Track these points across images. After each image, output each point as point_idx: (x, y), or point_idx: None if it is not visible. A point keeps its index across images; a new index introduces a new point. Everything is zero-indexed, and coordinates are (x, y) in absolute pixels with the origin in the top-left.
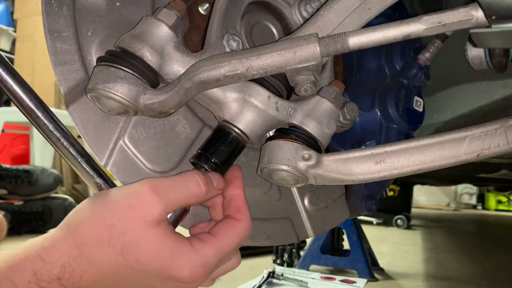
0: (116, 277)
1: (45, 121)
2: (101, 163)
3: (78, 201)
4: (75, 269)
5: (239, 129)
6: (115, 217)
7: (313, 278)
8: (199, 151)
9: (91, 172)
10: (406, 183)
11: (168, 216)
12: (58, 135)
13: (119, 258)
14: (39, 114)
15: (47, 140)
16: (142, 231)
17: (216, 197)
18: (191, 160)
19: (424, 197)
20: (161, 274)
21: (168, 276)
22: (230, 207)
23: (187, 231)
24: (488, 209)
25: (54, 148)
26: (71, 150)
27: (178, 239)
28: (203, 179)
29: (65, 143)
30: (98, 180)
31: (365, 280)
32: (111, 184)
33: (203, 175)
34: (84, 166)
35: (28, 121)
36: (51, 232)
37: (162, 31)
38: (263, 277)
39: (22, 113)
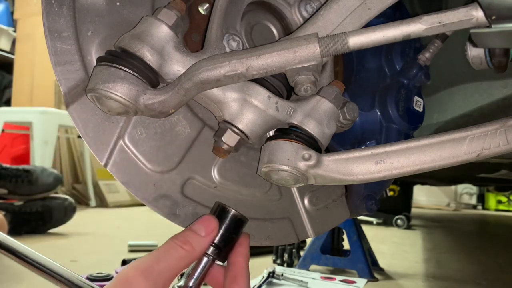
0: None
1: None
2: (101, 163)
3: (78, 201)
4: None
5: (239, 129)
6: None
7: (313, 278)
8: None
9: None
10: (406, 183)
11: None
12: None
13: None
14: None
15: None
16: None
17: (218, 276)
18: None
19: (424, 197)
20: None
21: None
22: (228, 275)
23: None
24: (488, 209)
25: None
26: None
27: None
28: (182, 240)
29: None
30: None
31: (365, 280)
32: None
33: (181, 237)
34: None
35: (28, 121)
36: None
37: (162, 31)
38: (263, 277)
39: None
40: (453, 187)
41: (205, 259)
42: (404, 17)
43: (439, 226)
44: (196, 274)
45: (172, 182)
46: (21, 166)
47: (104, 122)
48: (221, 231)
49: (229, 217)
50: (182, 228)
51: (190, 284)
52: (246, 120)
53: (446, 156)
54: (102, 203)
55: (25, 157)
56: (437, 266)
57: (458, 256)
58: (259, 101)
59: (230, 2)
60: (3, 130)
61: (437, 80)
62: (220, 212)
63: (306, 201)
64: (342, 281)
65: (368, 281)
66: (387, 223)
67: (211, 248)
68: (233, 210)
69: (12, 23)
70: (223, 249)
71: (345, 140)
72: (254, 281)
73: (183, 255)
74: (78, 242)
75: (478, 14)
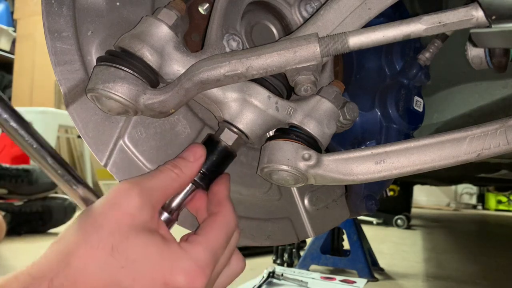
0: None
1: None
2: (101, 163)
3: None
4: (64, 283)
5: (239, 129)
6: (101, 219)
7: (313, 278)
8: None
9: (74, 183)
10: (406, 183)
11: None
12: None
13: (110, 260)
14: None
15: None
16: (130, 226)
17: (200, 203)
18: None
19: (424, 197)
20: (155, 280)
21: (165, 283)
22: (212, 203)
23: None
24: (488, 209)
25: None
26: (49, 161)
27: (167, 241)
28: (172, 164)
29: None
30: (81, 191)
31: (365, 280)
32: (96, 195)
33: (171, 162)
34: (66, 177)
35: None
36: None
37: (162, 31)
38: (263, 277)
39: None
40: (453, 187)
41: (189, 184)
42: (404, 17)
43: (439, 226)
44: (179, 196)
45: None
46: (21, 166)
47: (104, 122)
48: (209, 160)
49: (219, 148)
50: (182, 228)
51: (173, 205)
52: (246, 120)
53: (446, 156)
54: None
55: (25, 157)
56: (437, 266)
57: (458, 256)
58: (259, 101)
59: (230, 2)
60: (3, 130)
61: (437, 80)
62: (211, 142)
63: (306, 201)
64: (342, 281)
65: (368, 281)
66: (387, 223)
67: (198, 174)
68: (224, 143)
69: (12, 23)
70: (208, 177)
71: (345, 140)
72: (254, 281)
73: (173, 176)
74: None
75: (478, 14)
